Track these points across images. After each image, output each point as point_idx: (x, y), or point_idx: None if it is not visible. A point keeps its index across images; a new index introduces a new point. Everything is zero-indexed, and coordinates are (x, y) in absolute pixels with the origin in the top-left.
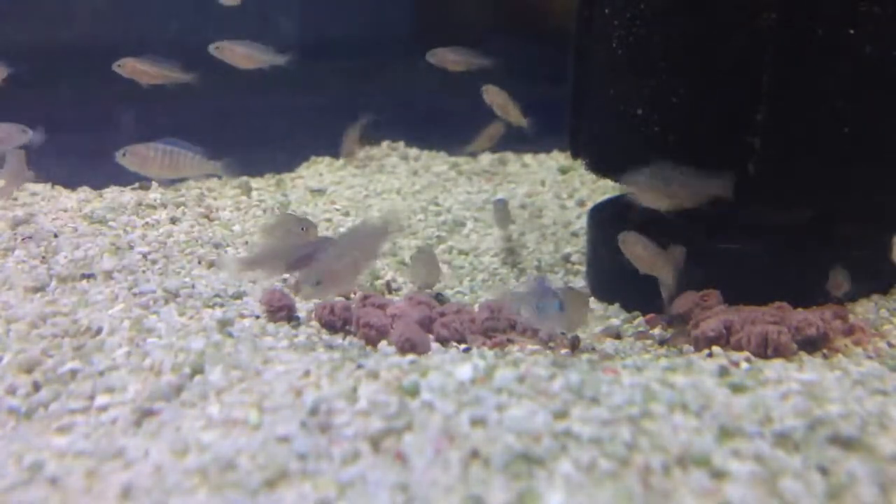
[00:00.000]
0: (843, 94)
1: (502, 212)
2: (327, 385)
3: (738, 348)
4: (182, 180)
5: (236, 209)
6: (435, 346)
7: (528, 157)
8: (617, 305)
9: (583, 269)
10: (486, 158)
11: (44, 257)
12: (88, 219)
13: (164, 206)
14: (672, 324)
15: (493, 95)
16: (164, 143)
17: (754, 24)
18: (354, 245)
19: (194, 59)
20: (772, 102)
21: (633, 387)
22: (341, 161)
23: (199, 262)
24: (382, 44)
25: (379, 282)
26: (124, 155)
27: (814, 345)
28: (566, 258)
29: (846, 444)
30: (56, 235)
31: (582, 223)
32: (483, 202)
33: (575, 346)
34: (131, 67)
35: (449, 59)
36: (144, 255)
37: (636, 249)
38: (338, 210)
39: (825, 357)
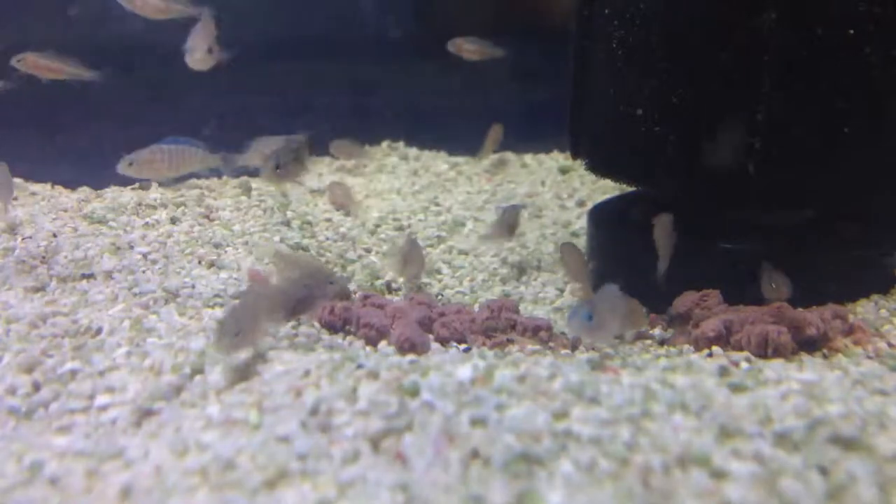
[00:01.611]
0: (843, 94)
1: (510, 218)
2: (327, 385)
3: (738, 348)
4: (182, 180)
5: (236, 209)
6: (435, 346)
7: (528, 157)
8: None
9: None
10: (486, 160)
11: (44, 257)
12: (88, 219)
13: (164, 206)
14: (672, 324)
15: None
16: (165, 142)
17: (754, 24)
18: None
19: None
20: (772, 102)
21: (633, 387)
22: (341, 160)
23: (199, 262)
24: (383, 44)
25: (379, 282)
26: (130, 164)
27: (814, 345)
28: None
29: (846, 444)
30: (56, 235)
31: (582, 223)
32: (483, 202)
33: (575, 346)
34: (32, 62)
35: (466, 48)
36: (144, 255)
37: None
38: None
39: (825, 357)
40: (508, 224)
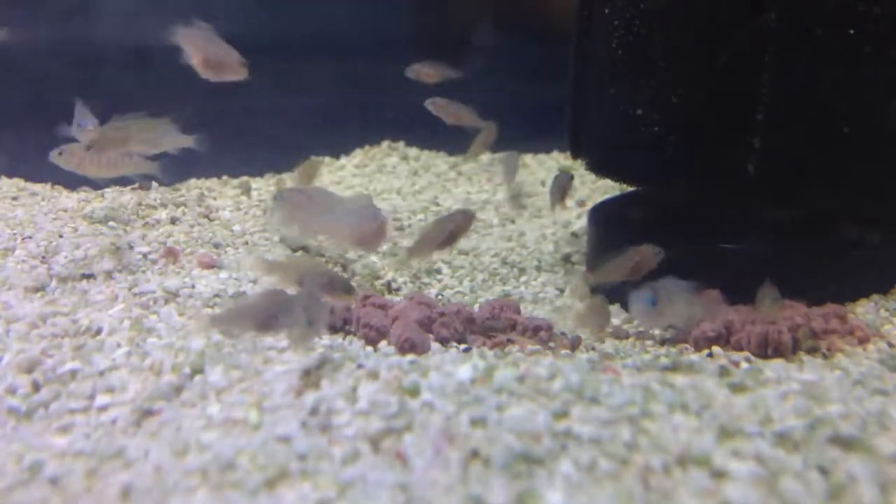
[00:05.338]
0: (843, 95)
1: (563, 185)
2: (327, 385)
3: (738, 348)
4: (182, 180)
5: (236, 209)
6: (435, 346)
7: (528, 157)
8: (617, 305)
9: (583, 269)
10: (486, 158)
11: (44, 257)
12: (88, 219)
13: (164, 206)
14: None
15: (440, 108)
16: None
17: (754, 24)
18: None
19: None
20: (772, 102)
21: (633, 387)
22: (341, 161)
23: (199, 262)
24: (382, 44)
25: (379, 282)
26: (60, 154)
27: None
28: (566, 258)
29: (846, 444)
30: (62, 236)
31: (582, 223)
32: (483, 202)
33: (575, 346)
34: None
35: (424, 72)
36: (144, 255)
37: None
38: None
39: (825, 357)
40: (562, 189)
